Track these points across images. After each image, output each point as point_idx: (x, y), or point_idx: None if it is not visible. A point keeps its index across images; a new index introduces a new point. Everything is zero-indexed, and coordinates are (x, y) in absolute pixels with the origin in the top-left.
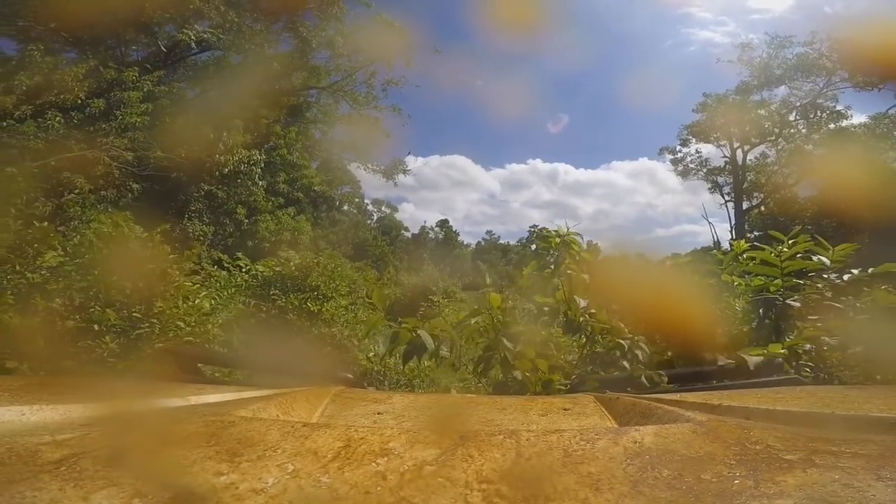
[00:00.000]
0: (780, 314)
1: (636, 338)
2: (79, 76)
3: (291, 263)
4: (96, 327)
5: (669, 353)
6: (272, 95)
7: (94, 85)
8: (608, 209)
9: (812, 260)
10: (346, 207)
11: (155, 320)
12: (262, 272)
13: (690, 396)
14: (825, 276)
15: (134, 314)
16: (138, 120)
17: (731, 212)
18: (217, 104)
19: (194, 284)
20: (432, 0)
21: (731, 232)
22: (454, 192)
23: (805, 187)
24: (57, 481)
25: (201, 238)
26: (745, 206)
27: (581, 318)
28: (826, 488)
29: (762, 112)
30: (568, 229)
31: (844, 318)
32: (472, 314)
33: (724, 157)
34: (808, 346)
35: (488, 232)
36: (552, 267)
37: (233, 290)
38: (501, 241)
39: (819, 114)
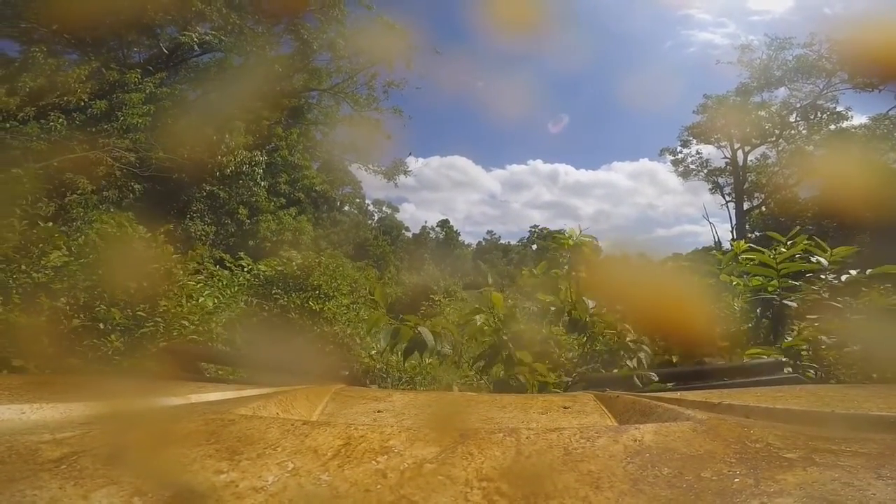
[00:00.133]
0: (777, 314)
1: (641, 338)
2: (81, 78)
3: (293, 263)
4: (101, 326)
5: (674, 358)
6: (273, 97)
7: (96, 86)
8: (609, 210)
9: (810, 261)
10: (347, 208)
11: (159, 319)
12: (264, 272)
13: (690, 395)
14: (823, 276)
15: (138, 313)
16: (140, 121)
17: (732, 212)
18: (219, 106)
19: (198, 283)
20: (433, 2)
21: (731, 232)
22: (455, 193)
23: (806, 188)
24: (57, 480)
25: (203, 238)
26: (745, 206)
27: (587, 318)
28: (826, 487)
29: (762, 113)
30: (580, 232)
31: (842, 317)
32: (474, 313)
33: (725, 157)
34: (805, 347)
35: (489, 232)
36: (565, 268)
37: (236, 289)
38: (502, 242)
39: (819, 115)
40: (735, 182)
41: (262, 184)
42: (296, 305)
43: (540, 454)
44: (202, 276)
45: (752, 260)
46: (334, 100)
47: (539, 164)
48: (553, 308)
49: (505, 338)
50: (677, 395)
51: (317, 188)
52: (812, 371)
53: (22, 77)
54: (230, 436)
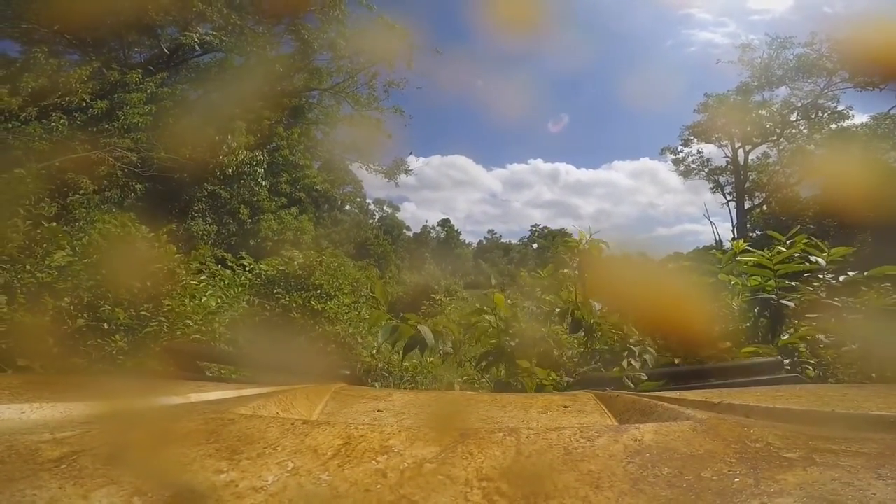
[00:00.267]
0: (775, 314)
1: (644, 340)
2: (82, 78)
3: (295, 262)
4: (105, 326)
5: (677, 361)
6: (274, 97)
7: (97, 87)
8: (610, 209)
9: (808, 262)
10: (348, 207)
11: (163, 319)
12: (265, 271)
13: (690, 394)
14: (821, 276)
15: (142, 312)
16: (141, 120)
17: (733, 211)
18: (220, 105)
19: (200, 283)
20: (433, 2)
21: (732, 231)
22: (455, 192)
23: (807, 187)
24: (57, 479)
25: (205, 237)
26: (746, 205)
27: (592, 320)
28: (826, 487)
29: (763, 112)
30: (590, 236)
31: (839, 317)
32: (477, 313)
33: (726, 156)
34: (802, 346)
35: (490, 231)
36: (575, 271)
37: (238, 288)
38: (503, 241)
39: (820, 114)
40: (736, 181)
41: (264, 183)
42: (297, 305)
43: (540, 454)
44: (204, 276)
45: (749, 261)
46: (335, 99)
47: (540, 163)
48: (558, 309)
49: (507, 339)
50: (677, 394)
51: (318, 187)
52: (811, 368)
53: (24, 77)
54: (230, 435)
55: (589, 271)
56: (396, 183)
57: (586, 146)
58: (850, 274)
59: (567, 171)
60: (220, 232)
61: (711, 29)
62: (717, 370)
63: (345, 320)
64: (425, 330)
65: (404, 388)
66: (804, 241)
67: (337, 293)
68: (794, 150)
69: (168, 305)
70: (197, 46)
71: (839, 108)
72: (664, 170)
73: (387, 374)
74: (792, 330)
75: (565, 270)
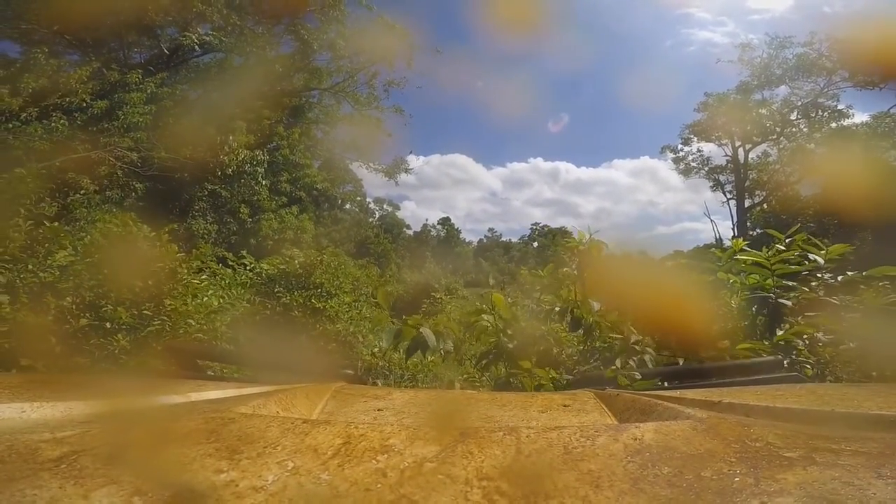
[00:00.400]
0: (773, 312)
1: (644, 339)
2: (83, 78)
3: (295, 261)
4: (108, 325)
5: (680, 361)
6: (274, 96)
7: (97, 87)
8: (610, 207)
9: (806, 261)
10: (348, 206)
11: (165, 318)
12: (266, 270)
13: (690, 393)
14: (819, 275)
15: (144, 311)
16: (141, 119)
17: (734, 210)
18: (220, 105)
19: (202, 282)
20: (433, 2)
21: (732, 229)
22: (456, 191)
23: (807, 185)
24: (57, 479)
25: (205, 237)
26: (747, 203)
27: (591, 320)
28: (826, 486)
29: (763, 111)
30: (590, 236)
31: (837, 315)
32: (477, 313)
33: (726, 155)
34: (801, 344)
35: (490, 229)
36: (575, 270)
37: (239, 287)
38: (503, 239)
39: (820, 113)
40: (736, 180)
41: (264, 182)
42: (298, 303)
43: (540, 453)
44: (206, 275)
45: (746, 259)
46: (335, 99)
47: (540, 161)
48: (557, 308)
49: (505, 339)
50: (677, 393)
51: (318, 186)
52: (809, 366)
53: (24, 78)
54: (230, 434)
55: (588, 270)
56: (396, 182)
57: (586, 145)
58: (849, 273)
59: (567, 169)
60: (221, 231)
61: (711, 28)
62: (717, 369)
63: (345, 319)
64: (427, 332)
65: (404, 387)
66: (803, 239)
67: (337, 292)
68: (794, 148)
69: (170, 305)
70: (197, 47)
71: (839, 106)
72: (664, 168)
73: (387, 373)
74: (788, 327)
75: (565, 269)
